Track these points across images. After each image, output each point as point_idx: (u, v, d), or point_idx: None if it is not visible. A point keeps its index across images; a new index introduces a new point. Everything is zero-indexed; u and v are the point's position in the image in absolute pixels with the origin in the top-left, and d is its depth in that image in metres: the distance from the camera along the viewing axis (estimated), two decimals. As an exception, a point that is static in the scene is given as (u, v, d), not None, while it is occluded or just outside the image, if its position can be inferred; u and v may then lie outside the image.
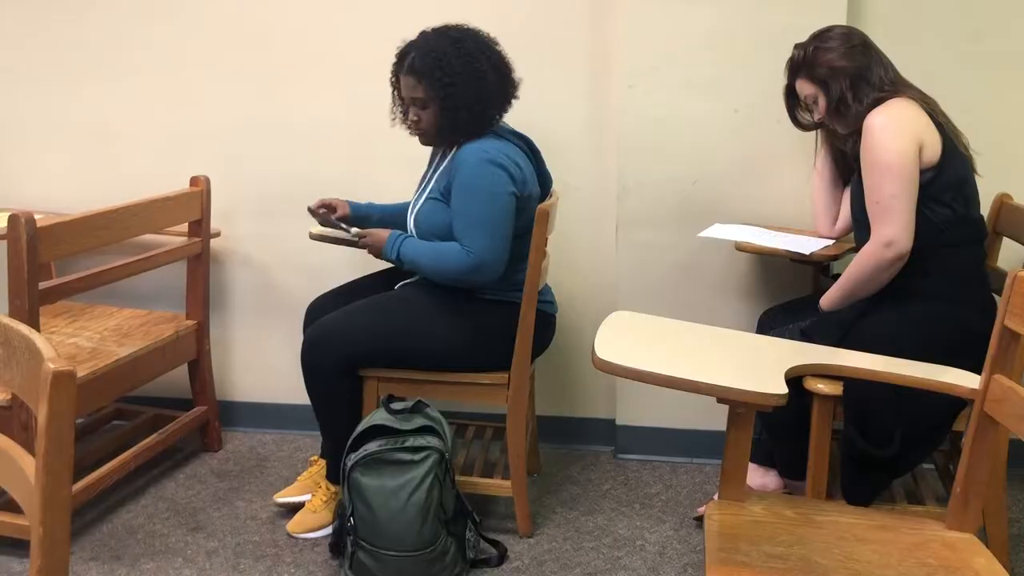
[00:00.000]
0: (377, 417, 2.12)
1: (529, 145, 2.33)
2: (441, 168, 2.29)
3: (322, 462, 2.45)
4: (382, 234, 2.26)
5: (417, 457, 2.06)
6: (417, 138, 2.29)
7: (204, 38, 2.84)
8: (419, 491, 2.04)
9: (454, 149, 2.24)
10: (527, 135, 2.34)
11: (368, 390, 2.29)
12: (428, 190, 2.30)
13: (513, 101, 2.28)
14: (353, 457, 2.08)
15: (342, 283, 2.54)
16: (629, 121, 2.59)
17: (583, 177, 2.73)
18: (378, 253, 2.26)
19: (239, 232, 2.93)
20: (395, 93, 2.31)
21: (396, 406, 2.15)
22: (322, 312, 2.37)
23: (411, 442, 2.07)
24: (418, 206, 2.31)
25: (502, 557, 2.24)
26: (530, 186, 2.25)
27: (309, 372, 2.25)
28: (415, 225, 2.30)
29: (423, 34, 2.23)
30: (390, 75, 2.29)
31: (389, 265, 2.38)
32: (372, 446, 2.07)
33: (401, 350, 2.24)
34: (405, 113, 2.28)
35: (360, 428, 2.13)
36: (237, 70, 2.84)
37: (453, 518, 2.15)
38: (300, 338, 2.33)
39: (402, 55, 2.23)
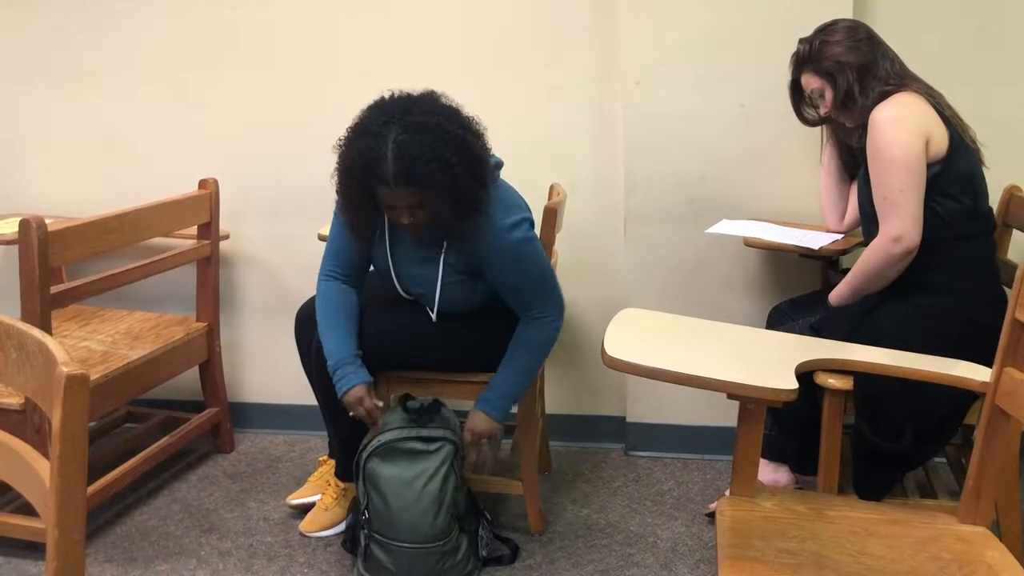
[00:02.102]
0: (393, 419, 2.13)
1: (498, 164, 2.21)
2: (445, 250, 2.10)
3: (331, 461, 2.45)
4: (483, 421, 2.14)
5: (432, 447, 2.07)
6: (413, 232, 2.05)
7: (212, 42, 2.85)
8: (433, 481, 2.04)
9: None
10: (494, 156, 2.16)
11: (379, 388, 2.29)
12: (441, 275, 2.11)
13: (488, 147, 2.06)
14: (369, 447, 2.08)
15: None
16: (636, 117, 2.59)
17: (590, 174, 2.73)
18: (498, 430, 2.18)
19: (248, 234, 2.94)
20: (352, 199, 2.01)
21: (412, 404, 2.16)
22: (313, 316, 2.33)
23: (426, 432, 2.08)
24: (440, 289, 2.12)
25: (514, 555, 2.25)
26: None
27: (318, 377, 2.25)
28: (450, 305, 2.15)
29: (380, 135, 1.89)
30: (343, 178, 1.99)
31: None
32: (387, 436, 2.08)
33: (410, 351, 2.23)
34: (368, 214, 2.03)
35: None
36: (245, 73, 2.85)
37: (465, 515, 2.15)
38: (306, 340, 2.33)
39: (368, 162, 1.90)
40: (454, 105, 2.01)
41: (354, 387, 2.08)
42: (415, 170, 1.87)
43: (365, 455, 2.09)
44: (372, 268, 2.24)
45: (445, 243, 2.09)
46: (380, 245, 2.18)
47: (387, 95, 2.00)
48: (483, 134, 2.03)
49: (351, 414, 2.10)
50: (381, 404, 2.11)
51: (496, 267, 2.08)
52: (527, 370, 2.17)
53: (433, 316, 2.17)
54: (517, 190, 2.20)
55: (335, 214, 2.15)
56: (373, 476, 2.07)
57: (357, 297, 2.20)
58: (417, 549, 2.05)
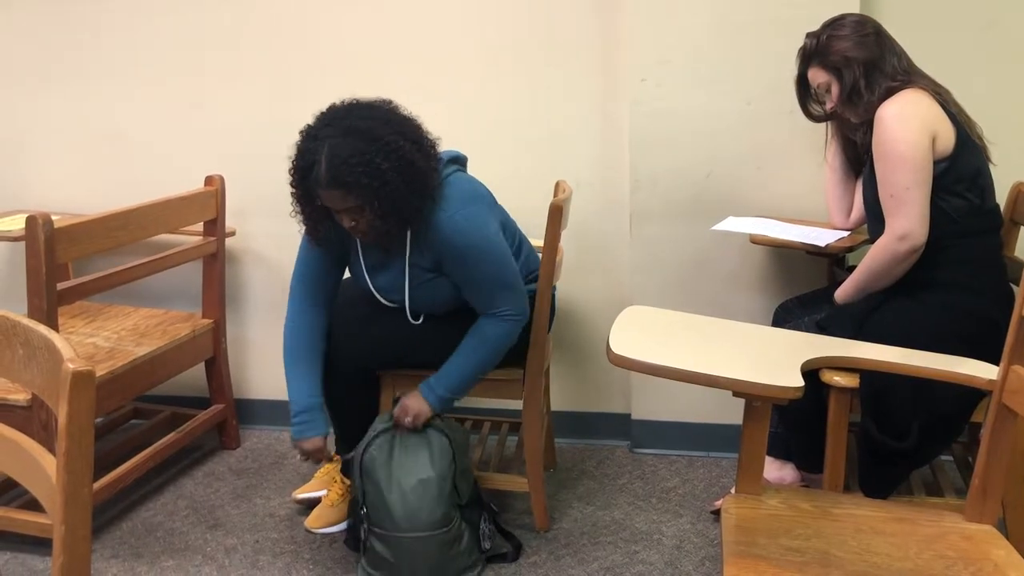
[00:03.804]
0: (387, 415, 2.15)
1: (461, 161, 2.22)
2: (409, 251, 2.09)
3: (338, 457, 2.46)
4: (417, 404, 2.11)
5: (429, 436, 2.08)
6: (361, 239, 2.08)
7: (219, 39, 2.85)
8: (431, 468, 2.05)
9: (408, 236, 2.08)
10: (456, 151, 2.19)
11: (384, 389, 2.29)
12: (408, 277, 2.12)
13: (433, 155, 2.05)
14: (365, 441, 2.10)
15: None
16: (641, 115, 2.59)
17: (596, 172, 2.73)
18: (425, 419, 2.11)
19: (254, 231, 2.95)
20: (301, 205, 2.04)
21: None
22: None
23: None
24: (409, 291, 2.13)
25: (518, 551, 2.25)
26: (501, 214, 2.21)
27: (324, 376, 2.25)
28: (422, 306, 2.16)
29: (318, 136, 1.93)
30: (291, 185, 2.02)
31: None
32: (381, 426, 2.10)
33: (415, 352, 2.23)
34: (318, 217, 2.04)
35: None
36: (251, 70, 2.85)
37: (468, 505, 2.15)
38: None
39: (305, 167, 1.95)
40: (406, 114, 2.02)
41: (312, 439, 2.12)
42: (343, 172, 1.89)
43: (362, 448, 2.10)
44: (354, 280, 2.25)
45: (408, 245, 2.08)
46: (355, 258, 2.18)
47: (338, 102, 2.02)
48: (427, 143, 2.02)
49: (300, 459, 2.21)
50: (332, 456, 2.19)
51: (453, 262, 2.06)
52: (477, 365, 2.12)
53: (410, 318, 2.17)
54: (479, 181, 2.16)
55: (303, 236, 2.17)
56: (370, 467, 2.07)
57: (326, 319, 2.20)
58: (417, 538, 2.04)
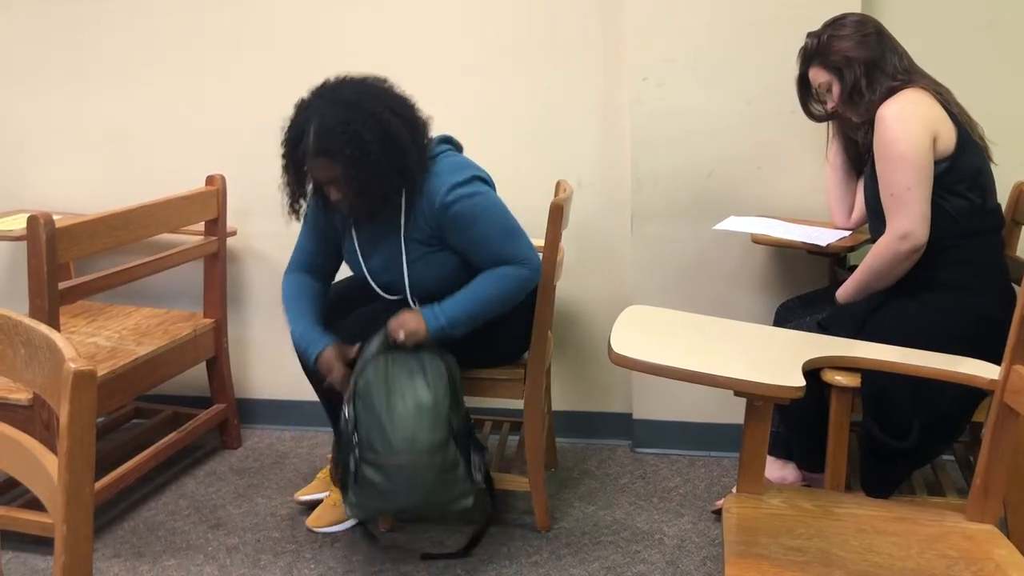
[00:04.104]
0: (377, 341, 2.07)
1: (451, 143, 2.24)
2: (404, 225, 2.11)
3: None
4: (414, 321, 2.05)
5: (423, 360, 2.03)
6: (346, 212, 2.10)
7: (219, 38, 2.85)
8: (428, 392, 1.99)
9: (403, 209, 2.10)
10: (448, 134, 2.22)
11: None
12: (405, 253, 2.12)
13: (428, 141, 2.10)
14: (359, 366, 2.03)
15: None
16: (642, 114, 2.59)
17: (597, 171, 2.73)
18: (419, 338, 2.04)
19: (255, 230, 2.95)
20: (289, 175, 2.10)
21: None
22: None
23: (416, 351, 2.05)
24: (407, 268, 2.12)
25: (493, 497, 2.23)
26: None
27: (319, 382, 2.24)
28: (421, 285, 2.14)
29: (310, 107, 2.01)
30: (282, 156, 2.08)
31: None
32: (375, 349, 2.03)
33: None
34: (302, 188, 2.10)
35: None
36: (253, 69, 2.85)
37: (460, 435, 2.08)
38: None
39: (295, 137, 2.02)
40: (398, 92, 2.07)
41: (322, 351, 2.08)
42: (328, 141, 1.95)
43: (356, 373, 2.02)
44: (351, 273, 2.25)
45: (403, 220, 2.09)
46: (348, 241, 2.19)
47: (331, 77, 2.08)
48: (418, 122, 2.06)
49: (327, 382, 2.10)
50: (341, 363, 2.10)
51: (457, 228, 2.06)
52: (485, 301, 2.07)
53: (412, 303, 2.13)
54: (472, 159, 2.18)
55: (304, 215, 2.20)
56: (365, 391, 2.00)
57: (323, 286, 2.26)
58: (414, 463, 1.98)
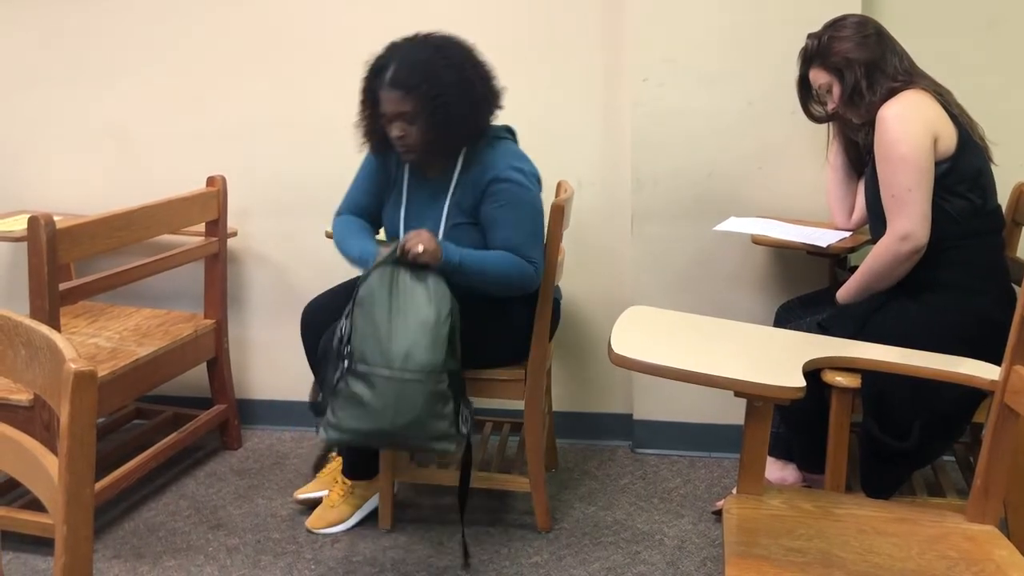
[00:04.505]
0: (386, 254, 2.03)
1: (512, 134, 2.30)
2: (453, 188, 2.18)
3: (339, 458, 2.46)
4: (433, 241, 2.02)
5: (428, 281, 2.00)
6: (403, 155, 2.16)
7: (220, 39, 2.86)
8: (430, 310, 1.95)
9: (458, 169, 2.16)
10: (510, 125, 2.29)
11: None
12: (446, 215, 2.17)
13: (498, 111, 2.19)
14: (362, 276, 2.00)
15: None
16: (643, 115, 2.59)
17: (597, 171, 2.73)
18: (433, 258, 2.01)
19: (256, 231, 2.95)
20: (364, 109, 2.17)
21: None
22: (320, 314, 2.34)
23: (416, 271, 2.01)
24: (441, 233, 2.17)
25: (468, 447, 2.15)
26: None
27: (320, 376, 2.25)
28: None
29: (398, 46, 2.11)
30: (361, 90, 2.15)
31: None
32: (384, 258, 1.99)
33: None
34: (376, 123, 2.15)
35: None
36: (252, 70, 2.85)
37: (453, 378, 2.03)
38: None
39: (377, 68, 2.10)
40: (482, 57, 2.16)
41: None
42: (408, 75, 2.04)
43: (361, 279, 1.99)
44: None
45: (454, 182, 2.15)
46: (395, 194, 2.24)
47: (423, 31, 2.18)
48: (494, 88, 2.16)
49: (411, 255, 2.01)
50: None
51: (495, 201, 2.11)
52: (493, 270, 2.07)
53: None
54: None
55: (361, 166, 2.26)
56: (367, 297, 1.96)
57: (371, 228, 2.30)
58: (406, 380, 1.93)
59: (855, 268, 2.16)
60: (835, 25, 2.11)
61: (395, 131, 2.09)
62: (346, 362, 1.97)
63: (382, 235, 2.34)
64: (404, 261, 1.99)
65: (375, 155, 2.27)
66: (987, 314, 1.96)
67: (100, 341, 2.56)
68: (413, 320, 1.96)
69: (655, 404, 2.77)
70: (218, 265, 2.72)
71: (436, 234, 2.14)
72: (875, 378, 1.89)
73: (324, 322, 2.28)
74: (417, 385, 1.95)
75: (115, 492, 2.42)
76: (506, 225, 2.13)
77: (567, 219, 2.27)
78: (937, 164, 1.97)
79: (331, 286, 2.55)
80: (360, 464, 2.37)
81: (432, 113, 2.05)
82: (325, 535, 2.36)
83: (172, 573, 2.23)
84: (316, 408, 2.09)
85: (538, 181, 2.22)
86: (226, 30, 2.85)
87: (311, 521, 2.38)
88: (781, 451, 2.30)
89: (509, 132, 2.29)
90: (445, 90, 2.04)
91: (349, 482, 2.38)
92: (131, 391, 2.46)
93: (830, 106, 2.16)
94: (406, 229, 2.19)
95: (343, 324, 2.02)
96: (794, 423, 2.23)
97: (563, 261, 2.39)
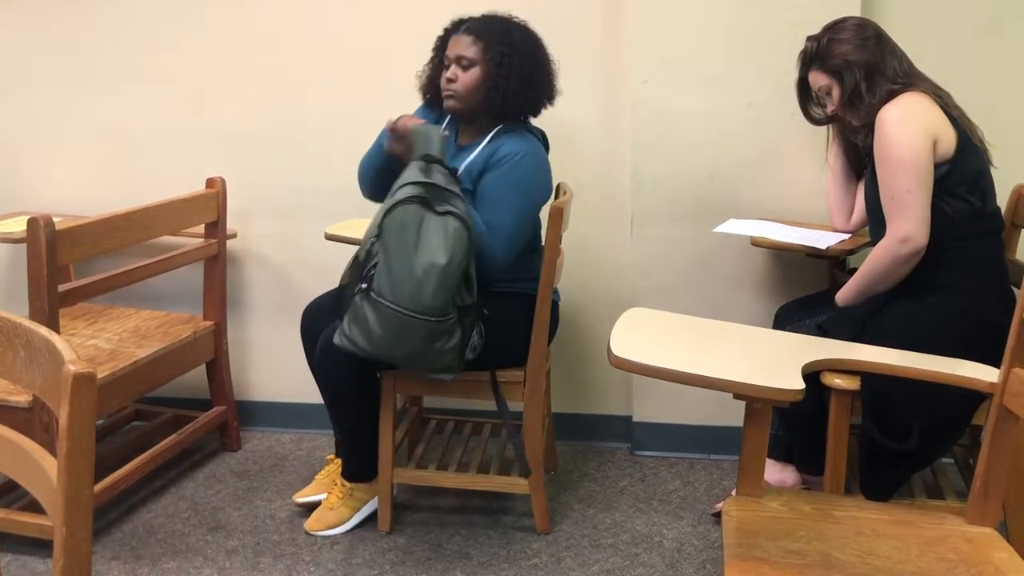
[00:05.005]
0: (413, 174, 2.06)
1: (546, 143, 2.35)
2: (474, 157, 2.23)
3: (338, 460, 2.46)
4: (441, 141, 2.10)
5: (447, 223, 2.01)
6: (445, 101, 2.23)
7: (220, 40, 2.86)
8: (445, 254, 1.98)
9: (487, 140, 2.22)
10: (543, 129, 2.36)
11: (385, 388, 2.29)
12: (459, 177, 2.21)
13: (547, 105, 2.30)
14: (393, 198, 2.02)
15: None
16: (643, 116, 2.59)
17: (597, 173, 2.73)
18: (439, 149, 2.08)
19: (255, 232, 2.95)
20: (431, 60, 2.31)
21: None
22: (320, 314, 2.36)
23: (440, 205, 2.02)
24: None
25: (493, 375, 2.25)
26: (551, 194, 2.31)
27: (325, 378, 2.26)
28: None
29: (480, 16, 2.26)
30: (436, 42, 2.30)
31: None
32: (413, 189, 2.01)
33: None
34: (437, 72, 2.26)
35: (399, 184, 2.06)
36: (253, 71, 2.85)
37: (466, 310, 2.08)
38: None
39: (457, 22, 2.26)
40: (549, 53, 2.29)
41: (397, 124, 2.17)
42: (484, 27, 2.20)
43: (389, 205, 2.01)
44: None
45: (477, 149, 2.21)
46: None
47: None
48: (552, 80, 2.28)
49: (398, 134, 2.15)
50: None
51: (499, 169, 2.17)
52: (474, 222, 2.09)
53: None
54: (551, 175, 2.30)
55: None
56: (388, 231, 1.99)
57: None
58: (412, 319, 1.98)
59: (854, 270, 2.16)
60: (835, 28, 2.11)
61: (449, 73, 2.20)
62: (365, 284, 2.03)
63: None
64: (426, 200, 2.02)
65: (425, 111, 2.35)
66: (986, 316, 1.96)
67: (99, 342, 2.56)
68: (425, 262, 1.98)
69: (654, 406, 2.77)
70: (217, 266, 2.72)
71: None
72: (874, 380, 1.89)
73: (324, 323, 2.29)
74: (420, 325, 2.00)
75: (114, 494, 2.41)
76: (491, 200, 2.17)
77: (566, 221, 2.27)
78: (936, 166, 1.97)
79: (331, 288, 2.56)
80: (359, 467, 2.37)
81: (490, 68, 2.17)
82: (324, 537, 2.36)
83: (171, 575, 2.23)
84: (338, 312, 2.16)
85: (548, 184, 2.27)
86: (227, 31, 2.85)
87: (310, 523, 2.38)
88: (780, 453, 2.30)
89: (543, 136, 2.34)
90: (511, 53, 2.17)
91: (348, 484, 2.38)
92: (130, 392, 2.46)
93: (830, 108, 2.16)
94: None
95: (368, 241, 2.06)
96: (793, 425, 2.23)
97: (563, 263, 2.39)
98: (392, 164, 2.20)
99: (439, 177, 2.05)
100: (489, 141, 2.23)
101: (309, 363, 2.36)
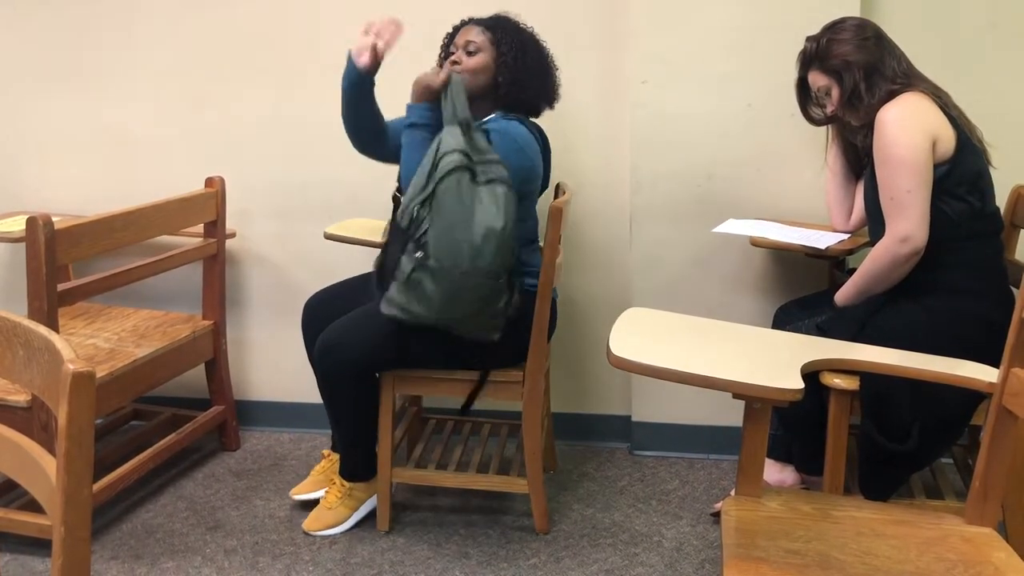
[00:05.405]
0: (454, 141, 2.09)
1: (544, 140, 2.35)
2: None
3: (335, 456, 2.46)
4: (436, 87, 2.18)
5: (495, 189, 2.06)
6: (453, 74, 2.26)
7: (219, 40, 2.86)
8: (500, 219, 2.03)
9: (483, 121, 2.24)
10: (541, 127, 2.36)
11: (384, 389, 2.29)
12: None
13: (544, 108, 2.35)
14: (443, 166, 2.04)
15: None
16: (642, 116, 2.59)
17: (597, 173, 2.73)
18: (425, 90, 2.19)
19: (254, 232, 2.95)
20: (441, 54, 2.37)
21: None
22: (321, 309, 2.38)
23: (482, 170, 2.07)
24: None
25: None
26: (535, 181, 2.29)
27: (324, 377, 2.26)
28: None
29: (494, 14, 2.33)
30: (444, 39, 2.36)
31: None
32: (459, 158, 2.05)
33: (416, 353, 2.23)
34: (444, 57, 2.34)
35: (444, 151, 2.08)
36: (252, 72, 2.85)
37: (513, 272, 2.14)
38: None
39: (468, 19, 2.32)
40: (553, 61, 2.37)
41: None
42: (492, 20, 2.28)
43: (439, 177, 2.04)
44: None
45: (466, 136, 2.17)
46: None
47: None
48: (555, 81, 2.35)
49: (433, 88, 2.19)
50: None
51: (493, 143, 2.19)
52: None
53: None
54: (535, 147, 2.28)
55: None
56: (442, 197, 2.02)
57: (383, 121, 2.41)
58: (472, 283, 2.03)
59: (854, 270, 2.16)
60: (834, 28, 2.11)
61: (454, 57, 2.26)
62: (420, 253, 2.04)
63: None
64: (473, 168, 2.07)
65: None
66: (986, 316, 1.96)
67: (98, 342, 2.55)
68: (483, 226, 2.03)
69: (654, 406, 2.77)
70: (216, 266, 2.72)
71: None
72: (874, 380, 1.89)
73: (326, 317, 2.30)
74: (479, 288, 2.05)
75: (113, 493, 2.41)
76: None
77: (566, 221, 2.27)
78: (936, 166, 1.97)
79: (331, 283, 2.56)
80: (358, 466, 2.37)
81: (496, 55, 2.23)
82: (322, 537, 2.36)
83: (170, 574, 2.22)
84: (380, 278, 2.16)
85: (531, 163, 2.23)
86: (226, 31, 2.84)
87: (308, 523, 2.38)
88: (780, 453, 2.30)
89: (540, 132, 2.35)
90: (519, 47, 2.24)
91: (347, 484, 2.38)
92: (129, 392, 2.46)
93: (829, 109, 2.16)
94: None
95: (412, 208, 2.06)
96: (793, 425, 2.23)
97: (562, 263, 2.39)
98: (366, 89, 2.29)
99: (482, 142, 2.11)
100: (482, 125, 2.23)
101: (310, 357, 2.36)
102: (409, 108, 2.22)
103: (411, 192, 2.07)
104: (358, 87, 2.28)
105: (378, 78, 2.31)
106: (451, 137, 2.07)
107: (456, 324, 2.13)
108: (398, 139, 2.31)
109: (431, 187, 2.04)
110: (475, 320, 2.12)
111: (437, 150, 2.06)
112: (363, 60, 2.23)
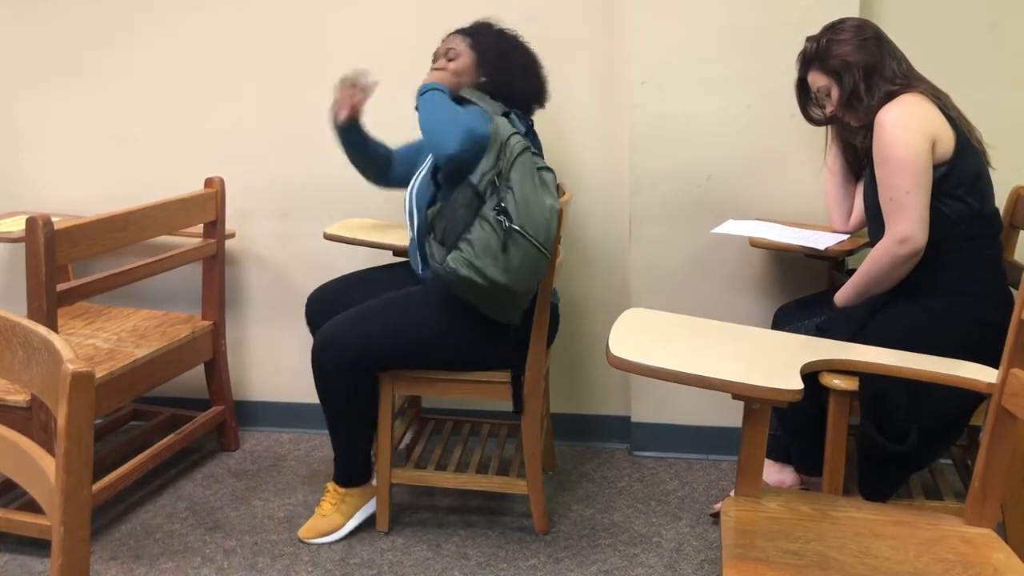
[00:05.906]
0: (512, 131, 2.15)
1: (534, 137, 2.33)
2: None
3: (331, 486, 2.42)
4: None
5: (544, 176, 2.15)
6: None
7: (219, 41, 2.86)
8: (553, 198, 2.13)
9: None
10: (533, 126, 2.36)
11: (383, 389, 2.29)
12: (428, 165, 2.35)
13: (532, 108, 2.35)
14: (513, 150, 2.11)
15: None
16: (642, 117, 2.59)
17: (596, 174, 2.73)
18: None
19: (254, 232, 2.95)
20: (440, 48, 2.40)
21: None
22: (323, 304, 2.39)
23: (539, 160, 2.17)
24: (418, 180, 2.37)
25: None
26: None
27: (322, 374, 2.25)
28: (416, 201, 2.34)
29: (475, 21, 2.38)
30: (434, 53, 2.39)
31: (394, 259, 2.40)
32: (523, 140, 2.13)
33: (416, 352, 2.23)
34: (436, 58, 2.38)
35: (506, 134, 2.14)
36: (251, 71, 2.85)
37: None
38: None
39: (454, 30, 2.35)
40: (539, 61, 2.38)
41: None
42: (476, 28, 2.32)
43: (521, 149, 2.11)
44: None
45: None
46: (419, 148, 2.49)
47: None
48: (540, 81, 2.36)
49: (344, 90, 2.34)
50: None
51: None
52: (442, 118, 2.15)
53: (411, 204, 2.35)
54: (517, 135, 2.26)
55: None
56: (516, 175, 2.09)
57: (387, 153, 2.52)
58: (542, 254, 2.09)
59: (853, 271, 2.17)
60: (834, 28, 2.11)
61: (436, 65, 2.32)
62: (504, 219, 2.08)
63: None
64: (532, 151, 2.16)
65: None
66: (985, 317, 1.96)
67: (98, 342, 2.55)
68: (549, 204, 2.11)
69: (653, 406, 2.77)
70: (216, 266, 2.72)
71: (418, 176, 2.38)
72: (873, 381, 1.89)
73: (328, 312, 2.30)
74: (541, 261, 2.11)
75: (112, 493, 2.41)
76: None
77: (565, 222, 2.27)
78: (935, 167, 1.97)
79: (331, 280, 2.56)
80: (352, 471, 2.35)
81: (478, 55, 2.28)
82: (317, 545, 2.34)
83: (169, 575, 2.22)
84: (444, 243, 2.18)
85: (492, 136, 2.19)
86: (226, 31, 2.85)
87: (303, 531, 2.35)
88: (779, 453, 2.30)
89: (529, 126, 2.33)
90: (496, 47, 2.28)
91: (341, 490, 2.36)
92: (128, 392, 2.46)
93: (828, 109, 2.16)
94: (418, 180, 2.38)
95: (490, 174, 2.11)
96: (792, 426, 2.23)
97: (562, 264, 2.39)
98: (356, 135, 2.40)
99: (521, 127, 2.20)
100: None
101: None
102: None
103: (483, 165, 2.11)
104: (347, 134, 2.39)
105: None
106: (506, 123, 2.15)
107: (513, 294, 2.14)
108: (407, 165, 2.36)
109: (508, 159, 2.11)
110: (527, 295, 2.16)
111: (498, 132, 2.12)
112: (341, 118, 2.35)
